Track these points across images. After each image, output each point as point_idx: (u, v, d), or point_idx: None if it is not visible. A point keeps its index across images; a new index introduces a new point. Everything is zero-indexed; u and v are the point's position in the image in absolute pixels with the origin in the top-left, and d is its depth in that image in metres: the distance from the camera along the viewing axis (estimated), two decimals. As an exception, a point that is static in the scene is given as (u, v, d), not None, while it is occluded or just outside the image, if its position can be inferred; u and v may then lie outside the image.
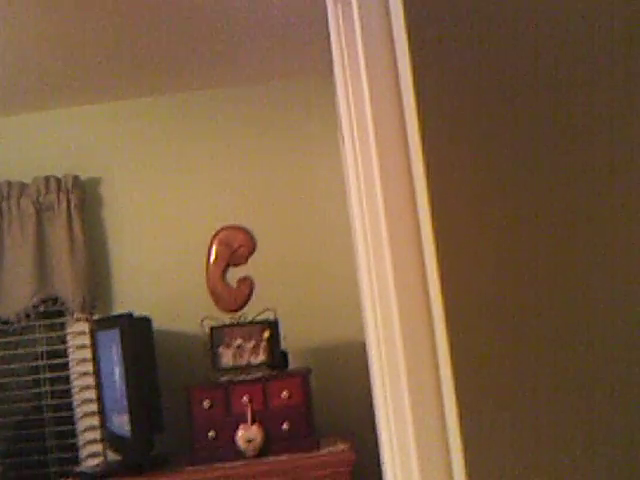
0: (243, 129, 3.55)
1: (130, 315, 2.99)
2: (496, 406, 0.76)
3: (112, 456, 3.29)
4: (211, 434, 2.93)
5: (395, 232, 0.86)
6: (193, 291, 3.46)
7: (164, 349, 3.31)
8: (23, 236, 3.40)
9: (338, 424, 3.32)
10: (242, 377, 3.00)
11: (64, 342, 3.50)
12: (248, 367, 3.05)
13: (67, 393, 3.47)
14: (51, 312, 3.46)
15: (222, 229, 3.49)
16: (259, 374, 3.01)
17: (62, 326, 3.50)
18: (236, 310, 3.42)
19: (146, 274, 3.48)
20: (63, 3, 2.54)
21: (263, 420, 2.92)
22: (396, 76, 0.87)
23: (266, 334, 3.06)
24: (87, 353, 3.45)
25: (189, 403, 2.98)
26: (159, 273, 3.47)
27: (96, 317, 3.41)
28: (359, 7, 0.95)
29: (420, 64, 0.78)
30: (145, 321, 3.13)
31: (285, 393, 2.94)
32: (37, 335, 3.50)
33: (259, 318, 3.15)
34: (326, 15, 1.89)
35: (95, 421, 3.42)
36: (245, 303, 3.45)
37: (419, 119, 0.76)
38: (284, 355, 3.13)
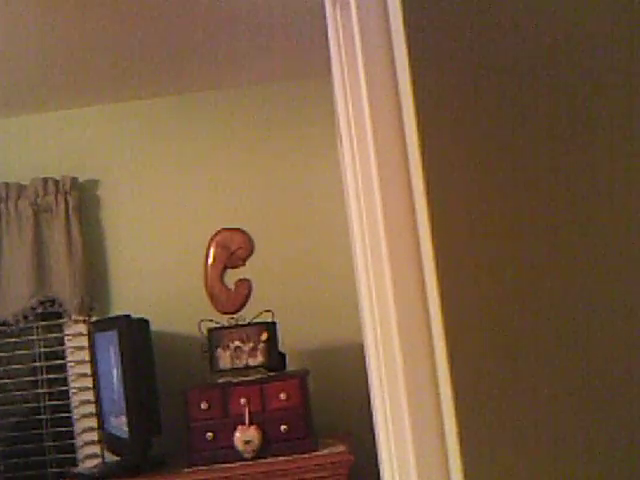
0: (241, 131, 3.55)
1: (128, 317, 2.99)
2: (493, 409, 0.76)
3: (110, 457, 3.28)
4: (209, 436, 2.93)
5: (393, 233, 0.86)
6: (191, 293, 3.46)
7: (162, 351, 3.31)
8: (21, 238, 3.40)
9: (336, 425, 3.32)
10: (240, 379, 3.00)
11: (62, 344, 3.50)
12: (246, 369, 3.05)
13: (65, 394, 3.46)
14: (49, 314, 3.46)
15: (220, 231, 3.49)
16: (257, 376, 3.00)
17: (60, 328, 3.50)
18: (234, 312, 3.42)
19: (144, 276, 3.48)
20: (62, 4, 2.54)
21: (261, 422, 2.92)
22: (394, 76, 0.87)
23: (264, 336, 3.06)
24: (85, 355, 3.45)
25: (187, 405, 2.97)
26: (157, 275, 3.47)
27: (94, 319, 3.41)
28: (357, 8, 0.95)
29: (418, 64, 0.78)
30: (143, 323, 3.12)
31: (283, 395, 2.93)
32: (35, 337, 3.49)
33: (257, 320, 3.15)
34: (325, 16, 1.89)
35: (93, 422, 3.42)
36: (243, 305, 3.45)
37: (417, 119, 0.76)
38: (282, 357, 3.13)
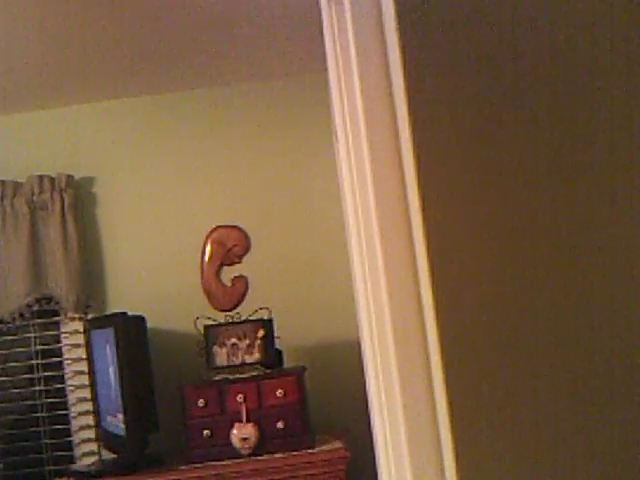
0: (237, 128, 3.55)
1: (124, 314, 2.99)
2: (487, 403, 0.76)
3: (107, 455, 3.29)
4: (206, 433, 2.93)
5: (386, 227, 0.86)
6: (187, 290, 3.46)
7: (158, 348, 3.31)
8: (17, 236, 3.40)
9: (333, 422, 3.33)
10: (237, 376, 3.00)
11: (58, 341, 3.50)
12: (243, 366, 3.05)
13: (62, 392, 3.46)
14: (45, 311, 3.45)
15: (216, 228, 3.49)
16: (254, 373, 3.00)
17: (56, 325, 3.50)
18: (230, 309, 3.42)
19: (140, 273, 3.48)
20: (59, 2, 2.53)
21: (258, 419, 2.92)
22: (387, 71, 0.87)
23: (260, 333, 3.06)
24: (81, 352, 3.45)
25: (184, 402, 2.97)
26: (153, 272, 3.47)
27: (90, 316, 3.41)
28: (351, 4, 0.95)
29: (411, 60, 0.78)
30: (139, 320, 3.12)
31: (280, 392, 2.94)
32: (31, 334, 3.49)
33: (253, 317, 3.15)
34: (320, 13, 1.89)
35: (90, 420, 3.42)
36: (239, 302, 3.45)
37: (409, 114, 0.76)
38: (279, 354, 3.13)
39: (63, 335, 3.48)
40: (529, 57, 0.78)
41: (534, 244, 0.78)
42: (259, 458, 2.87)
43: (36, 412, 3.46)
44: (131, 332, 2.99)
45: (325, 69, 2.74)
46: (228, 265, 3.49)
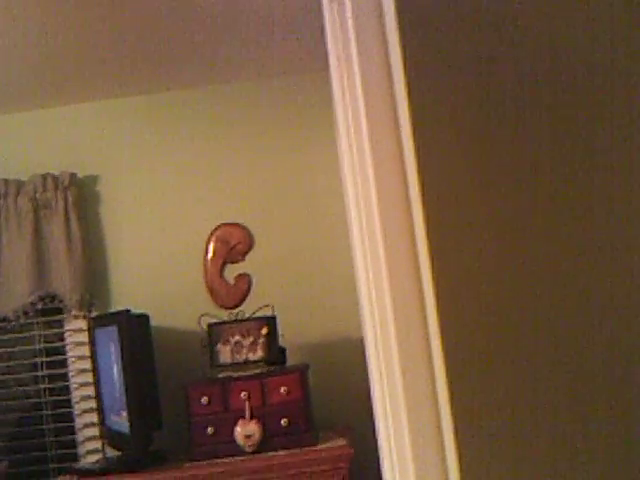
0: (240, 126, 3.55)
1: (128, 312, 3.00)
2: (490, 400, 0.77)
3: (111, 452, 3.29)
4: (210, 430, 2.94)
5: (388, 224, 0.87)
6: (191, 288, 3.46)
7: (162, 346, 3.32)
8: (20, 234, 3.40)
9: (336, 419, 3.33)
10: (240, 373, 3.00)
11: (62, 339, 3.50)
12: (246, 363, 3.06)
13: (66, 390, 3.47)
14: (49, 309, 3.46)
15: (220, 226, 3.49)
16: (257, 370, 3.01)
17: (60, 323, 3.50)
18: (234, 307, 3.42)
19: (144, 271, 3.48)
20: (59, 2, 2.53)
21: (261, 416, 2.93)
22: (389, 68, 0.87)
23: (264, 330, 3.06)
24: (85, 350, 3.46)
25: (187, 399, 2.98)
26: (157, 270, 3.48)
27: (94, 314, 3.41)
28: (352, 2, 0.96)
29: (411, 56, 0.78)
30: (143, 318, 3.13)
31: (283, 389, 2.94)
32: (35, 332, 3.50)
33: (257, 315, 3.16)
34: (321, 10, 1.89)
35: (94, 418, 3.42)
36: (243, 300, 3.46)
37: (410, 112, 0.76)
38: (282, 351, 3.13)
39: (67, 333, 3.49)
40: (529, 57, 0.78)
41: (535, 238, 0.78)
42: (262, 455, 2.88)
43: (40, 410, 3.47)
44: (135, 330, 3.00)
45: (327, 68, 2.74)
46: (231, 263, 3.49)
